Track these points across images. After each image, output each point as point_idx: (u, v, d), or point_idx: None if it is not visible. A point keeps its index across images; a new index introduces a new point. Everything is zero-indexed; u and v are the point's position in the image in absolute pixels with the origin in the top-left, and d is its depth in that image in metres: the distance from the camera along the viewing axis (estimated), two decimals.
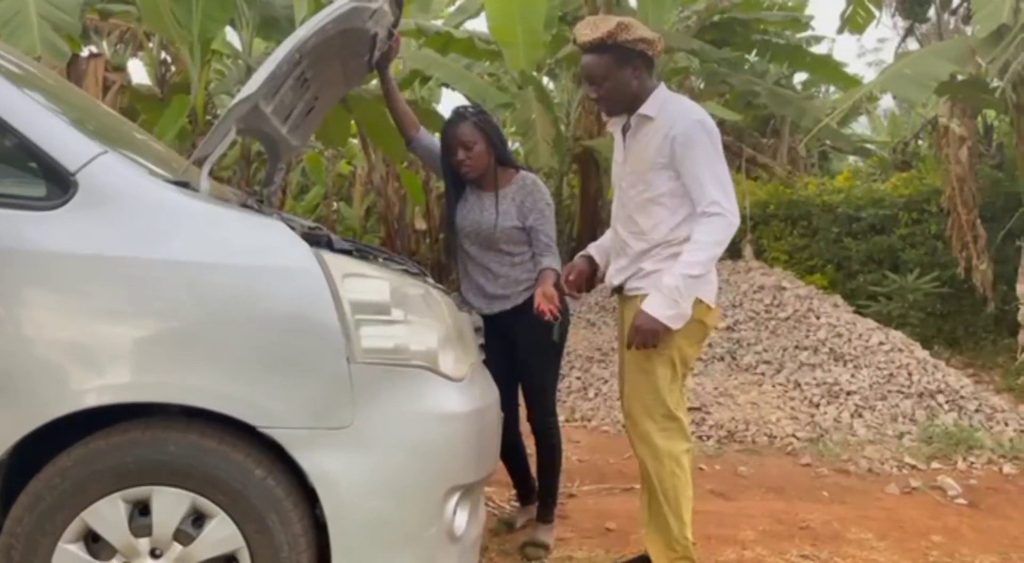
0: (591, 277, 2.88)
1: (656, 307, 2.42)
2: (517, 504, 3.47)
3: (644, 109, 2.55)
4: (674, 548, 2.55)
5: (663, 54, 9.62)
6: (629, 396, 2.58)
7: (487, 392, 2.29)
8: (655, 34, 2.56)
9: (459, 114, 3.05)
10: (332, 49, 2.50)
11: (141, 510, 1.89)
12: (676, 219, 2.52)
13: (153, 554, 1.88)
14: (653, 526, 2.59)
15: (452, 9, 10.46)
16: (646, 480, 2.59)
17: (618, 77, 2.53)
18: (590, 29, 2.52)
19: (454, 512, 2.02)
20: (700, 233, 2.43)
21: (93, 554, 1.89)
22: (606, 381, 5.76)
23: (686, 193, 2.49)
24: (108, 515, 1.86)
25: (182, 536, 1.88)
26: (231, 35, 9.21)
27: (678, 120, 2.49)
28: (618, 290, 2.69)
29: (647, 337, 2.45)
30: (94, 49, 8.38)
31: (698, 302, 2.49)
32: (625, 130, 2.65)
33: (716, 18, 9.54)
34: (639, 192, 2.56)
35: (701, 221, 2.44)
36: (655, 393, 2.51)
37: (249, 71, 8.90)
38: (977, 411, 4.88)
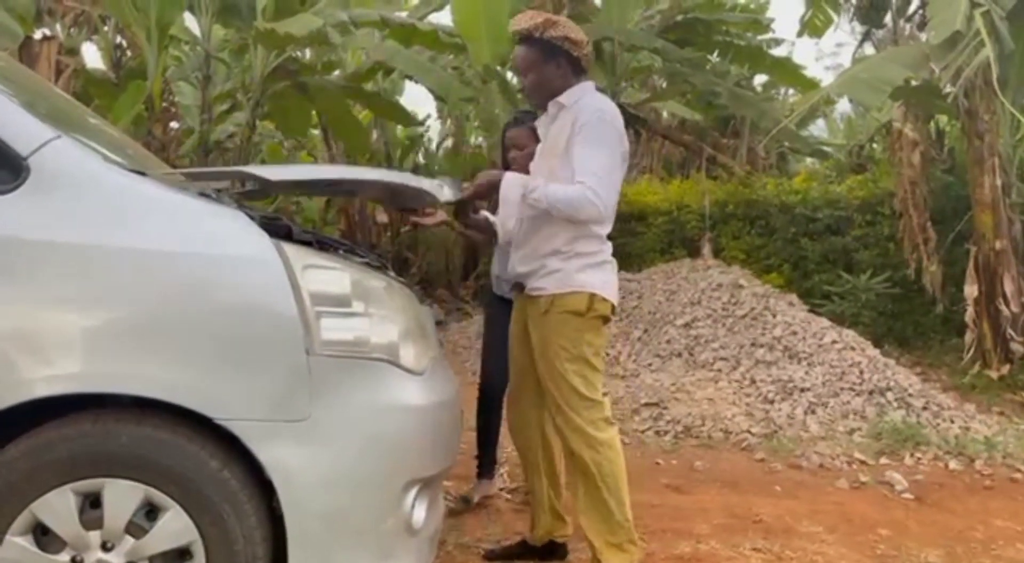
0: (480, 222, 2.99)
1: (511, 184, 2.59)
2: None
3: (561, 98, 2.65)
4: (616, 533, 2.60)
5: (628, 52, 9.69)
6: (553, 396, 2.62)
7: (447, 385, 2.28)
8: (583, 36, 2.65)
9: (516, 119, 3.29)
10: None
11: (92, 502, 1.84)
12: None
13: (104, 547, 1.84)
14: (593, 514, 2.62)
15: (417, 1, 10.41)
16: (581, 470, 2.62)
17: (543, 70, 2.64)
18: (522, 19, 2.63)
19: (412, 505, 2.01)
20: (565, 187, 2.52)
21: (42, 547, 1.84)
22: None
23: None
24: (58, 507, 1.82)
25: (134, 529, 1.84)
26: (189, 20, 9.04)
27: (584, 110, 2.58)
28: (519, 287, 2.75)
29: (480, 186, 2.64)
30: (47, 31, 8.15)
31: (601, 300, 2.61)
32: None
33: (679, 18, 9.62)
34: (545, 178, 2.64)
35: (574, 184, 2.51)
36: (575, 392, 2.58)
37: (207, 58, 8.76)
38: (924, 409, 5.01)
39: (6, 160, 1.85)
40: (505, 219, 2.74)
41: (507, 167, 3.20)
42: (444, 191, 2.37)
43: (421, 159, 13.61)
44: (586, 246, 2.61)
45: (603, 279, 2.65)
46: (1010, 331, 6.52)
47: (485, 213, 2.95)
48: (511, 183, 2.57)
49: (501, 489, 3.72)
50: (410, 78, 9.92)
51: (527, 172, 2.98)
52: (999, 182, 6.64)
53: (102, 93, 8.32)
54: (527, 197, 2.56)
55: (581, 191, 2.48)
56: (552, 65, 2.62)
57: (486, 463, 3.61)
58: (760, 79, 13.10)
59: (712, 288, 6.61)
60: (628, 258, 9.34)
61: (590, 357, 2.61)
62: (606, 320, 2.69)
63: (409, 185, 2.14)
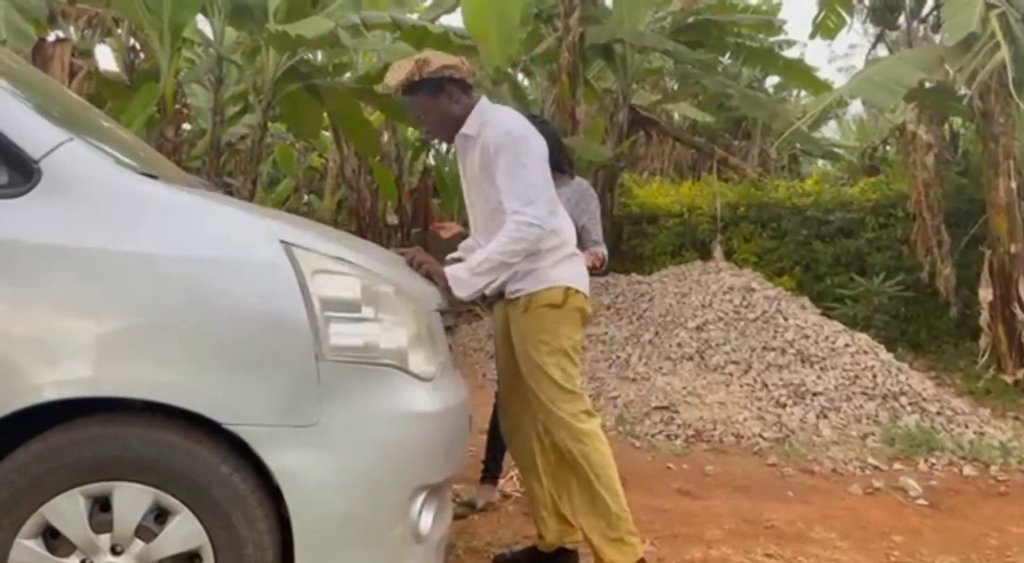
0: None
1: (459, 283, 2.53)
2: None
3: (465, 129, 2.68)
4: (616, 526, 2.59)
5: (639, 54, 9.66)
6: (535, 392, 2.65)
7: (456, 392, 2.27)
8: (456, 58, 2.69)
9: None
10: None
11: (102, 506, 1.84)
12: None
13: (114, 550, 1.84)
14: (589, 511, 2.63)
15: (428, 3, 10.42)
16: (571, 465, 2.64)
17: (437, 108, 2.66)
18: (394, 74, 2.64)
19: (420, 512, 2.00)
20: (502, 234, 2.55)
21: (52, 550, 1.84)
22: None
23: None
24: (67, 511, 1.82)
25: (144, 532, 1.84)
26: (202, 23, 9.08)
27: (490, 132, 2.62)
28: (498, 296, 2.77)
29: (420, 265, 2.53)
30: (60, 34, 8.21)
31: (575, 292, 2.67)
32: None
33: (690, 19, 9.59)
34: (482, 203, 2.71)
35: (507, 224, 2.55)
36: (555, 385, 2.62)
37: (220, 60, 8.79)
38: (939, 413, 4.96)
39: (18, 163, 1.85)
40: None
41: None
42: (436, 296, 2.36)
43: (431, 160, 13.63)
44: (550, 241, 2.66)
45: (574, 272, 2.72)
46: None
47: None
48: (458, 282, 2.54)
49: (506, 496, 3.72)
50: None
51: None
52: (1014, 185, 6.60)
53: (115, 95, 8.36)
54: (481, 275, 2.55)
55: (515, 226, 2.53)
56: (444, 98, 2.63)
57: (492, 468, 3.62)
58: (772, 81, 13.08)
59: (723, 291, 6.57)
60: (639, 260, 9.32)
61: (569, 350, 2.66)
62: (584, 315, 2.74)
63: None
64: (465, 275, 2.54)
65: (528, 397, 2.73)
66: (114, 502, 1.83)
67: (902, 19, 9.16)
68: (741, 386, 5.43)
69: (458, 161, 2.86)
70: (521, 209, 2.53)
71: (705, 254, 8.84)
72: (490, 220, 2.68)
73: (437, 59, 2.62)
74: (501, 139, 2.58)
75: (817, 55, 39.81)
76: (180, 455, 1.85)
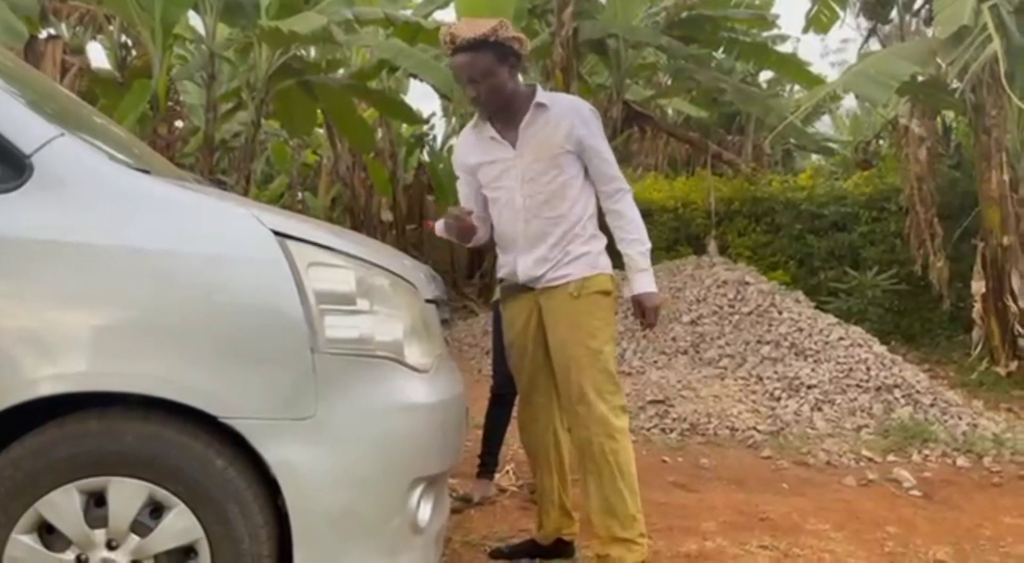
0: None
1: (649, 283, 2.65)
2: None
3: (539, 98, 2.65)
4: (628, 527, 2.56)
5: (632, 49, 9.65)
6: (579, 383, 2.56)
7: (453, 383, 2.27)
8: (523, 35, 2.68)
9: None
10: None
11: (97, 501, 1.84)
12: (584, 199, 2.68)
13: (109, 545, 1.83)
14: (603, 508, 2.57)
15: None
16: (596, 462, 2.57)
17: (497, 75, 2.59)
18: (469, 28, 2.57)
19: (418, 504, 2.00)
20: (629, 209, 2.69)
21: (47, 545, 1.83)
22: None
23: (587, 175, 2.70)
24: (63, 506, 1.81)
25: (139, 527, 1.83)
26: (194, 19, 9.05)
27: (576, 109, 2.67)
28: (524, 287, 2.71)
29: (658, 312, 2.68)
30: (52, 31, 8.18)
31: (615, 282, 2.71)
32: (504, 130, 2.68)
33: (684, 14, 9.58)
34: (552, 178, 2.63)
35: (623, 197, 2.69)
36: (606, 372, 2.58)
37: (212, 57, 8.77)
38: (932, 405, 4.98)
39: (9, 158, 1.84)
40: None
41: None
42: (429, 288, 2.33)
43: (426, 157, 13.61)
44: (593, 227, 2.68)
45: (610, 262, 2.73)
46: (1018, 327, 6.50)
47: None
48: (650, 280, 2.67)
49: (503, 490, 3.73)
50: (415, 76, 9.91)
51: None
52: (1006, 177, 6.62)
53: (107, 92, 8.34)
54: (645, 252, 2.68)
55: (630, 199, 2.69)
56: (505, 68, 2.59)
57: (489, 463, 3.63)
58: (765, 75, 13.08)
59: (718, 285, 6.58)
60: None
61: (614, 339, 2.69)
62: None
63: (390, 270, 2.09)
64: (648, 277, 2.65)
65: (550, 390, 2.70)
66: (109, 497, 1.83)
67: (894, 13, 9.16)
68: (736, 380, 5.45)
69: (496, 143, 2.68)
70: (622, 177, 2.67)
71: (699, 249, 8.86)
72: (556, 196, 2.62)
73: (512, 28, 2.60)
74: (593, 115, 2.66)
75: (810, 50, 39.97)
76: (175, 450, 1.84)
